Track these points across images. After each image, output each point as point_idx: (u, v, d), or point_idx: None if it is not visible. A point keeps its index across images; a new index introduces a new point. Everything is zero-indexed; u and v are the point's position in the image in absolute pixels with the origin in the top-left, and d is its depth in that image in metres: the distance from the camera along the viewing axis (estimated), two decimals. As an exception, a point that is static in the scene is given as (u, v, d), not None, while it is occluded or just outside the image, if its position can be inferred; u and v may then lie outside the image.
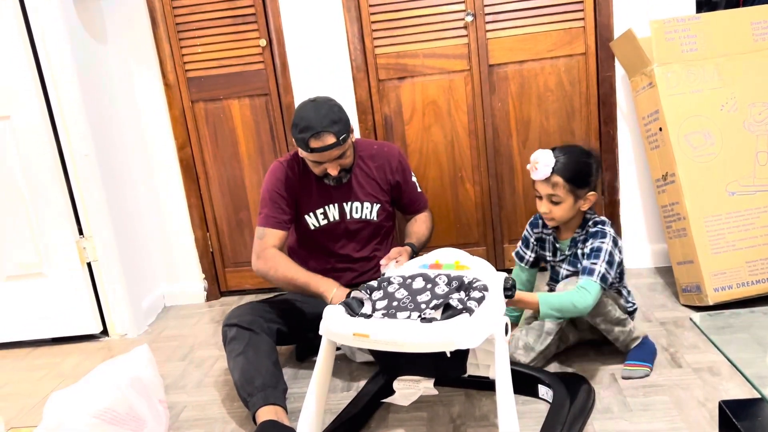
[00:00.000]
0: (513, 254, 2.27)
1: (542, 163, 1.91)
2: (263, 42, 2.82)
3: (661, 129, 2.40)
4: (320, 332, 1.59)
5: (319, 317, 1.60)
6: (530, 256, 2.21)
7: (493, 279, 1.63)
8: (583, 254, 1.99)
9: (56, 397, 1.76)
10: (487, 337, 1.47)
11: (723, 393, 1.82)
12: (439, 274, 1.67)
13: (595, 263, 1.89)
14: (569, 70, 2.75)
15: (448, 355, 1.42)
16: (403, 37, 2.77)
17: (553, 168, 1.92)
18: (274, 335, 2.08)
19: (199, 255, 3.10)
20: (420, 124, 2.86)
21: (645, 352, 2.02)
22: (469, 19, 2.70)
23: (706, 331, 1.45)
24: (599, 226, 1.98)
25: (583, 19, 2.69)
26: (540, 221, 2.15)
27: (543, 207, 1.99)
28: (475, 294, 1.53)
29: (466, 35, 2.74)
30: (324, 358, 1.63)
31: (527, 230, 2.20)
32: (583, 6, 2.67)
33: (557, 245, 2.11)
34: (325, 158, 2.11)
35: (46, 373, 2.54)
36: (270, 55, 2.84)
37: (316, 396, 1.63)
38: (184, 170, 2.99)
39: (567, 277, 2.05)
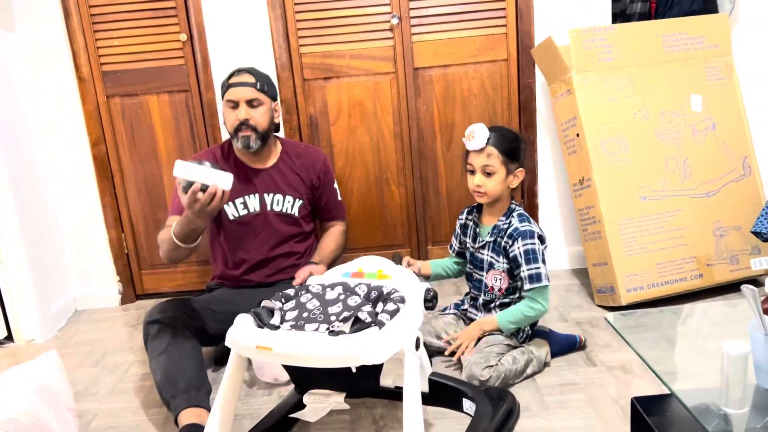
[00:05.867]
0: None
1: (478, 133, 2.00)
2: (184, 37, 2.74)
3: (578, 135, 2.48)
4: (226, 343, 1.49)
5: None
6: (456, 245, 2.25)
7: (413, 290, 1.60)
8: (508, 250, 2.03)
9: (-47, 407, 1.64)
10: (397, 351, 1.41)
11: (635, 390, 1.89)
12: (359, 284, 1.63)
13: (538, 268, 1.99)
14: (492, 75, 2.80)
15: (353, 370, 1.37)
16: (329, 37, 2.75)
17: (487, 140, 2.00)
18: (199, 333, 2.00)
19: (113, 256, 2.97)
20: (346, 125, 2.84)
21: (562, 348, 2.13)
22: (395, 21, 2.71)
23: (620, 331, 1.49)
24: (525, 223, 2.03)
25: (505, 26, 2.75)
26: (467, 208, 2.21)
27: (477, 179, 2.03)
28: (390, 306, 1.49)
29: (392, 38, 2.75)
30: (231, 371, 1.55)
31: (458, 217, 2.25)
32: (505, 13, 2.73)
33: (477, 230, 2.15)
34: (239, 96, 2.13)
35: (-57, 383, 2.37)
36: (191, 51, 2.76)
37: (221, 409, 1.55)
38: (98, 168, 2.86)
39: (491, 264, 2.09)
